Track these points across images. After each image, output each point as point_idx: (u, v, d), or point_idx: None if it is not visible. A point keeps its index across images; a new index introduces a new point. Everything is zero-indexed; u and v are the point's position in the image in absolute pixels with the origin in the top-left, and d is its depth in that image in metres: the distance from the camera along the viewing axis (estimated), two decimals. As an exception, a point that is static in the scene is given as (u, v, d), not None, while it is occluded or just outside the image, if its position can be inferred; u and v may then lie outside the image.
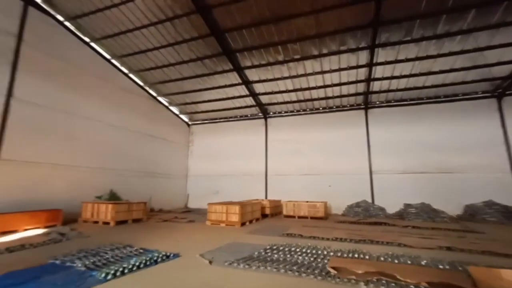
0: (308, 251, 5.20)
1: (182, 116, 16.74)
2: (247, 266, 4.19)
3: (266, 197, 14.27)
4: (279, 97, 13.80)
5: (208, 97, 14.28)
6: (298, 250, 5.28)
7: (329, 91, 12.85)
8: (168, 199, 14.62)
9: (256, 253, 5.00)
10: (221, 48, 10.55)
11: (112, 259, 4.51)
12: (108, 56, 11.55)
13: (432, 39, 9.08)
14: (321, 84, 12.32)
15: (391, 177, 12.33)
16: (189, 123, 17.37)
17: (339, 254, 4.94)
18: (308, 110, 14.50)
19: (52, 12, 9.42)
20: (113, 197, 10.94)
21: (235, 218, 8.72)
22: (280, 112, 15.11)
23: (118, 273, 3.78)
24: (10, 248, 5.16)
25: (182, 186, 16.33)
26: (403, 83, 11.64)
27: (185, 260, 4.57)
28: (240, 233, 7.34)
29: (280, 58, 10.92)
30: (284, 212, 11.45)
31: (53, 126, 9.23)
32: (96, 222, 8.86)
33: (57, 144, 9.29)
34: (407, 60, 10.21)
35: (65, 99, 9.65)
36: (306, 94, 13.27)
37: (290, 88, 12.87)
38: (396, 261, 4.52)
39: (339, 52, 10.26)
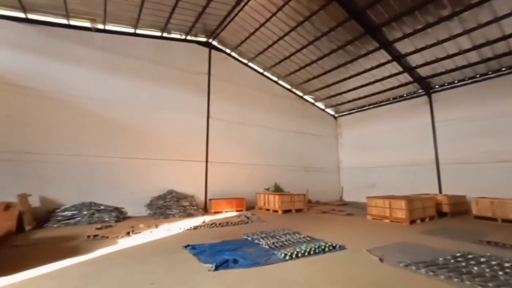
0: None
1: (328, 110, 16.81)
2: (431, 273, 3.59)
3: (440, 192, 11.49)
4: (448, 64, 10.67)
5: (353, 85, 13.47)
6: (520, 268, 3.75)
7: (547, 34, 8.41)
8: (323, 191, 15.16)
9: (441, 259, 4.15)
10: (363, 28, 9.66)
11: (286, 243, 5.29)
12: (261, 70, 13.75)
13: None
14: (526, 27, 8.32)
15: None
16: (336, 115, 17.14)
17: None
18: (504, 69, 10.19)
19: (223, 48, 12.50)
20: (277, 189, 12.79)
21: (401, 214, 7.69)
22: (451, 83, 11.66)
23: (293, 256, 4.39)
24: (222, 224, 7.36)
25: (335, 179, 16.40)
26: None
27: (352, 253, 4.59)
28: (410, 232, 6.39)
29: (446, 12, 8.42)
30: (475, 212, 8.72)
31: (233, 134, 12.19)
32: (268, 209, 10.70)
33: (237, 147, 12.21)
34: None
35: (237, 112, 12.47)
36: (498, 48, 9.40)
37: (467, 46, 9.59)
38: None
39: None
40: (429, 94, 12.41)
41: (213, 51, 12.07)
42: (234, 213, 9.87)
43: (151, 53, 10.36)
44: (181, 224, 7.36)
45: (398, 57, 10.86)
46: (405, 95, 13.36)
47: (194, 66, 11.41)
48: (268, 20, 10.17)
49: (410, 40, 9.91)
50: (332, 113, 17.03)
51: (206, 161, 11.17)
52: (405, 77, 12.06)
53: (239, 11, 10.00)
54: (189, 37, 11.40)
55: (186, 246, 4.99)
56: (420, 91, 12.66)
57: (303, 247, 4.72)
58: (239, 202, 10.72)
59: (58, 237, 5.93)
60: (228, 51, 12.61)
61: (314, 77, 13.44)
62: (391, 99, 13.95)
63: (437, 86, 12.16)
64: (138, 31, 10.19)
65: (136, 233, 6.23)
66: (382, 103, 14.43)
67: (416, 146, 12.71)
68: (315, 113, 16.19)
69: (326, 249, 4.78)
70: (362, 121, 15.55)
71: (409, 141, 13.07)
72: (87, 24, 9.14)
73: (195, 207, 9.62)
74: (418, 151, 12.61)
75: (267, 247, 5.00)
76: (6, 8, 7.90)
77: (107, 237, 5.77)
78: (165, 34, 10.80)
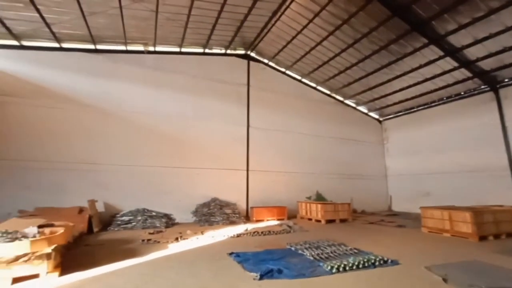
0: None
1: (372, 114, 15.87)
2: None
3: (517, 203, 9.81)
4: (521, 53, 9.24)
5: (399, 86, 12.54)
6: None
7: None
8: (369, 200, 14.19)
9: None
10: (408, 24, 9.03)
11: (332, 254, 5.06)
12: (299, 77, 13.72)
13: None
14: None
15: None
16: (380, 119, 16.08)
17: None
18: None
19: (261, 59, 12.85)
20: (319, 198, 12.38)
21: (466, 228, 6.77)
22: (526, 75, 10.05)
23: (340, 269, 4.17)
24: (264, 232, 7.38)
25: (382, 187, 15.25)
26: None
27: (407, 270, 4.18)
28: (480, 250, 5.57)
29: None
30: None
31: (272, 142, 12.29)
32: (310, 219, 10.38)
33: (277, 155, 12.24)
34: None
35: (276, 120, 12.57)
36: None
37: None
38: None
39: None
40: (495, 90, 10.88)
41: (251, 62, 12.48)
42: (276, 222, 9.81)
43: (195, 69, 11.13)
44: (225, 232, 7.57)
45: (452, 52, 9.82)
46: (462, 93, 11.93)
47: (233, 78, 11.91)
48: (305, 27, 10.15)
49: (468, 31, 8.89)
50: (376, 116, 16.01)
51: (247, 170, 11.41)
52: (462, 73, 10.80)
53: (275, 22, 10.20)
54: (228, 51, 11.97)
55: (230, 254, 5.11)
56: (483, 87, 11.18)
57: (351, 260, 4.46)
58: (281, 211, 10.62)
59: (119, 239, 6.58)
60: (265, 61, 12.89)
61: (355, 81, 12.89)
62: (444, 98, 12.58)
63: (506, 80, 10.59)
64: (183, 50, 11.06)
65: (184, 239, 6.60)
66: (433, 104, 13.09)
67: (481, 150, 11.15)
68: (358, 118, 15.42)
69: (377, 263, 4.44)
70: (411, 124, 14.29)
71: (470, 144, 11.54)
72: (141, 47, 10.24)
73: (237, 215, 9.82)
74: (483, 155, 11.04)
75: (311, 258, 4.85)
76: (81, 42, 9.34)
77: (158, 242, 6.21)
78: (206, 50, 11.52)
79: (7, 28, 7.93)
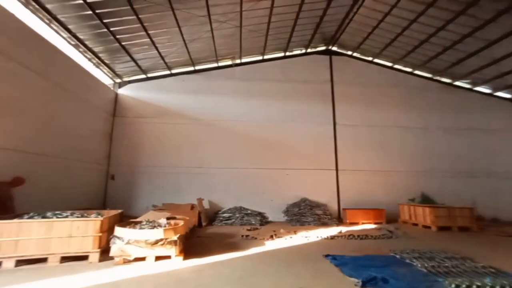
0: None
1: (499, 94, 12.37)
2: None
3: None
4: None
5: (545, 50, 9.28)
6: None
7: None
8: (504, 206, 11.00)
9: None
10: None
11: (454, 270, 4.22)
12: (389, 64, 12.19)
13: None
14: None
15: None
16: (514, 99, 12.36)
17: None
18: None
19: (343, 51, 12.16)
20: (425, 200, 10.54)
21: None
22: None
23: (469, 289, 3.44)
24: (360, 236, 6.89)
25: (524, 188, 11.59)
26: None
27: None
28: None
29: None
30: None
31: (363, 139, 11.33)
32: (415, 224, 8.98)
33: (369, 153, 11.19)
34: None
35: (365, 114, 11.55)
36: None
37: None
38: None
39: None
40: None
41: (333, 57, 11.95)
42: (373, 226, 8.96)
43: (278, 73, 11.54)
44: (318, 233, 7.46)
45: None
46: None
47: (316, 76, 11.69)
48: (394, 6, 8.90)
49: None
50: (508, 96, 12.35)
51: (336, 169, 10.91)
52: None
53: (358, 9, 9.39)
54: (309, 50, 11.88)
55: (326, 256, 5.01)
56: None
57: (488, 282, 3.56)
58: (378, 214, 9.63)
59: (222, 233, 7.48)
60: (349, 53, 12.08)
61: (470, 55, 10.30)
62: None
63: None
64: (265, 57, 11.68)
65: (278, 237, 6.88)
66: None
67: None
68: (476, 101, 12.33)
69: (535, 293, 3.40)
70: None
71: None
72: (229, 62, 11.43)
73: (329, 216, 9.52)
74: None
75: (424, 270, 4.20)
76: (184, 66, 11.21)
77: (255, 238, 6.70)
78: (287, 53, 11.77)
79: (139, 66, 10.39)
